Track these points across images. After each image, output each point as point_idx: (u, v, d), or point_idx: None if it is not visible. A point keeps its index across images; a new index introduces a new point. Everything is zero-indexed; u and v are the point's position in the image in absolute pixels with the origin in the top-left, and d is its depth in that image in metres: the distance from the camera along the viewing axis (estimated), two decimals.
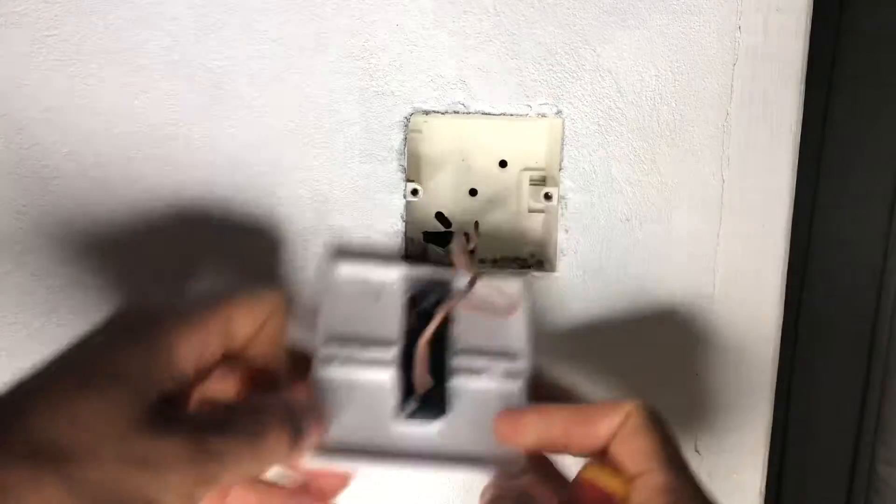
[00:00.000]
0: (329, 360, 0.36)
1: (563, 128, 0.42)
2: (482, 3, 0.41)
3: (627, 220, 0.44)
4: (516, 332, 0.39)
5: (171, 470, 0.25)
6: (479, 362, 0.38)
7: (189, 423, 0.28)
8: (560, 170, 0.43)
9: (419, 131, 0.44)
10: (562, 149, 0.43)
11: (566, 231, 0.43)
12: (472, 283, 0.38)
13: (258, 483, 0.33)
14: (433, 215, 0.46)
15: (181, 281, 0.41)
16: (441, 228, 0.46)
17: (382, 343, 0.37)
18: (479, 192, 0.46)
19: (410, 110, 0.41)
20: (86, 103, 0.39)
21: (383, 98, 0.41)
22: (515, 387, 0.37)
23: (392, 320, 0.38)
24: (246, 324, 0.32)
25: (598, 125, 0.43)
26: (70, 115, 0.39)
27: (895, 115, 0.69)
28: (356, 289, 0.39)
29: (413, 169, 0.44)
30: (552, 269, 0.44)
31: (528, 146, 0.46)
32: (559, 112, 0.42)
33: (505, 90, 0.42)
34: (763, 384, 0.47)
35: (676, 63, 0.43)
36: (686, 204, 0.44)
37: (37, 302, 0.41)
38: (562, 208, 0.43)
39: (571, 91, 0.42)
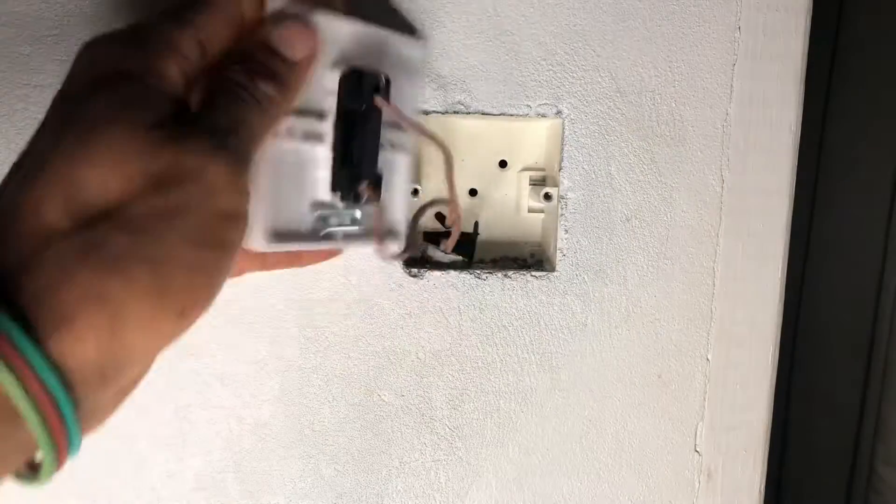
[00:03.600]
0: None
1: (563, 128, 0.42)
2: (482, 3, 0.41)
3: (627, 220, 0.44)
4: (413, 95, 0.39)
5: (217, 168, 0.26)
6: (386, 133, 0.36)
7: (198, 123, 0.27)
8: (560, 170, 0.43)
9: None
10: (562, 149, 0.43)
11: (566, 231, 0.43)
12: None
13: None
14: (433, 215, 0.46)
15: None
16: (441, 228, 0.46)
17: (313, 113, 0.33)
18: (478, 192, 0.46)
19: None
20: None
21: None
22: (400, 159, 0.38)
23: (318, 81, 0.33)
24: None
25: (598, 125, 0.43)
26: None
27: (894, 115, 0.69)
28: None
29: (413, 169, 0.44)
30: (552, 269, 0.44)
31: (528, 146, 0.46)
32: (559, 112, 0.42)
33: (505, 90, 0.42)
34: (763, 384, 0.47)
35: (676, 63, 0.43)
36: (686, 204, 0.44)
37: None
38: (562, 208, 0.43)
39: (571, 91, 0.42)
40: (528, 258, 0.46)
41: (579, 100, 0.42)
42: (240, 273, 0.35)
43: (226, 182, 0.26)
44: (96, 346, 0.23)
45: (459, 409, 0.44)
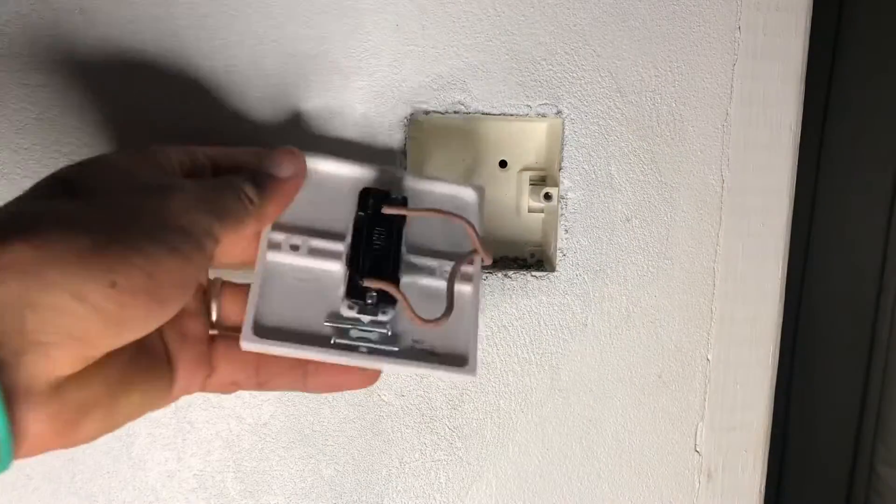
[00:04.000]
0: (276, 246, 0.35)
1: (563, 128, 0.42)
2: (482, 3, 0.41)
3: (627, 220, 0.44)
4: (467, 237, 0.38)
5: (173, 193, 0.29)
6: (430, 262, 0.37)
7: (193, 179, 0.33)
8: (560, 170, 0.43)
9: (419, 131, 0.44)
10: (562, 149, 0.43)
11: (566, 231, 0.43)
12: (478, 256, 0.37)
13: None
14: None
15: None
16: None
17: (331, 236, 0.36)
18: None
19: (410, 110, 0.41)
20: (86, 103, 0.39)
21: (383, 98, 0.41)
22: (468, 288, 0.36)
23: (342, 214, 0.36)
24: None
25: (598, 125, 0.43)
26: (69, 115, 0.39)
27: (894, 115, 0.69)
28: (308, 181, 0.36)
29: (413, 169, 0.44)
30: (552, 269, 0.44)
31: (528, 146, 0.46)
32: (559, 112, 0.42)
33: (505, 90, 0.42)
34: (763, 384, 0.47)
35: (676, 63, 0.43)
36: (686, 204, 0.44)
37: None
38: (562, 208, 0.43)
39: (571, 91, 0.42)
40: (528, 258, 0.46)
41: (579, 100, 0.42)
42: (233, 387, 0.35)
43: (196, 206, 0.29)
44: (16, 281, 0.24)
45: (459, 409, 0.44)
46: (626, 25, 0.42)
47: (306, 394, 0.42)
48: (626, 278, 0.44)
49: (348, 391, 0.42)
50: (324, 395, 0.42)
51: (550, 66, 0.42)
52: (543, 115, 0.42)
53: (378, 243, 0.35)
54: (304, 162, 0.35)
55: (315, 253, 0.35)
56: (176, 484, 0.42)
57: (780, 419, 0.81)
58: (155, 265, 0.27)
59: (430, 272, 0.36)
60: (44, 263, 0.24)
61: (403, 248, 0.36)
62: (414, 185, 0.38)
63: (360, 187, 0.36)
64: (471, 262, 0.37)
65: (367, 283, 0.33)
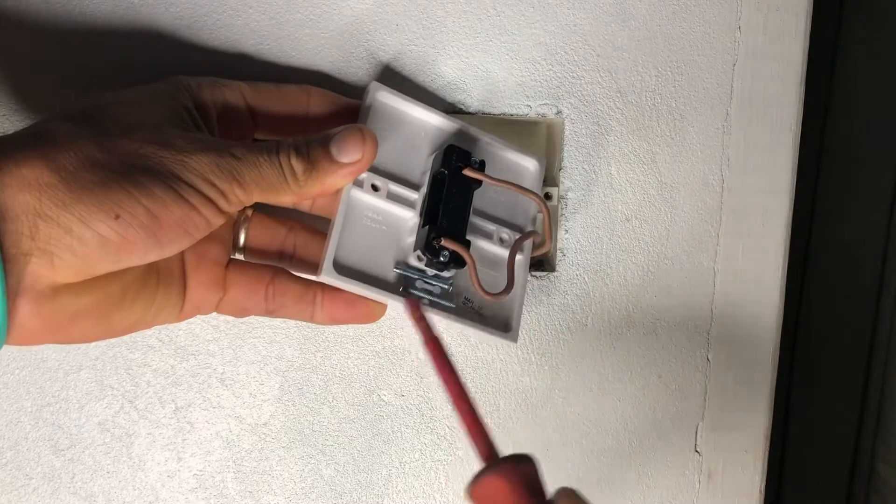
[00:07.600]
0: (359, 184, 0.35)
1: (563, 128, 0.42)
2: (482, 3, 0.41)
3: (628, 220, 0.44)
4: (526, 209, 0.40)
5: (191, 154, 0.29)
6: (489, 226, 0.38)
7: (216, 136, 0.32)
8: (560, 170, 0.43)
9: None
10: (562, 149, 0.43)
11: (566, 231, 0.43)
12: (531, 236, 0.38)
13: (293, 277, 0.36)
14: None
15: None
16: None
17: (407, 183, 0.36)
18: None
19: None
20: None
21: None
22: (519, 258, 0.38)
23: (418, 162, 0.37)
24: (323, 105, 0.36)
25: (598, 125, 0.43)
26: None
27: (894, 115, 0.69)
28: (391, 122, 0.37)
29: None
30: (552, 269, 0.44)
31: (528, 146, 0.46)
32: (559, 112, 0.42)
33: (505, 90, 0.42)
34: (763, 384, 0.47)
35: (676, 63, 0.43)
36: (686, 204, 0.44)
37: None
38: (562, 208, 0.43)
39: (571, 91, 0.42)
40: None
41: (579, 100, 0.42)
42: (244, 312, 0.36)
43: (211, 169, 0.29)
44: (32, 194, 0.26)
45: None
46: (626, 25, 0.42)
47: (306, 394, 0.42)
48: (626, 278, 0.44)
49: (349, 393, 0.42)
50: (324, 393, 0.42)
51: (550, 66, 0.42)
52: (543, 115, 0.42)
53: (454, 202, 0.36)
54: (374, 145, 0.32)
55: (392, 197, 0.36)
56: (176, 484, 0.42)
57: (780, 419, 0.81)
58: (160, 207, 0.28)
59: (488, 236, 0.38)
60: (58, 185, 0.26)
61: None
62: (486, 146, 0.39)
63: (437, 137, 0.38)
64: (529, 238, 0.38)
65: (443, 242, 0.34)
